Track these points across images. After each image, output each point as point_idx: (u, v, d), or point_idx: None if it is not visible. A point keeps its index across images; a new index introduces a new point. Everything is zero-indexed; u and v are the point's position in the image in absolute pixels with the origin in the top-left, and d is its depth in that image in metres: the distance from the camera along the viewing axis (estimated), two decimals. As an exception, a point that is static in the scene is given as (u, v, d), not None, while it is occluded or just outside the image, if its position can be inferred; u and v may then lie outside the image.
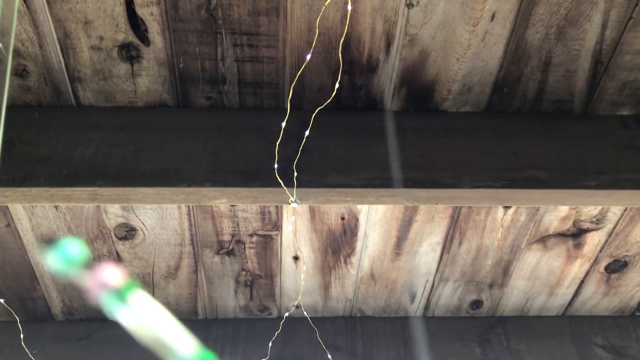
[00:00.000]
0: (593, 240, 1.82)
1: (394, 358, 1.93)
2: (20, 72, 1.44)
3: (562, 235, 1.81)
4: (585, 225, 1.78)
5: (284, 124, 1.32)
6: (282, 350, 1.92)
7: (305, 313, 1.95)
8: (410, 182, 1.41)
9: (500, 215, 1.76)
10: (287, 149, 1.39)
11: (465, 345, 1.96)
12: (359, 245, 1.83)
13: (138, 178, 1.41)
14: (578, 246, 1.84)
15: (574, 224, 1.78)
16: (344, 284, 1.94)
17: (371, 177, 1.39)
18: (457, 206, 1.73)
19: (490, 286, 1.95)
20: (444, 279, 1.93)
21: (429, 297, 1.98)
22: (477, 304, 2.00)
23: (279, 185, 1.36)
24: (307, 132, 1.34)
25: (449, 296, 1.98)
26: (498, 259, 1.87)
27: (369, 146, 1.44)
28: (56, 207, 1.66)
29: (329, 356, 1.84)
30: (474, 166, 1.42)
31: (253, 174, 1.39)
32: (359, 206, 1.72)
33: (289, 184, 1.36)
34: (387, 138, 1.47)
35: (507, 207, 1.73)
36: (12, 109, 1.48)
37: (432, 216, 1.76)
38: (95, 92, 1.48)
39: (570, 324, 2.02)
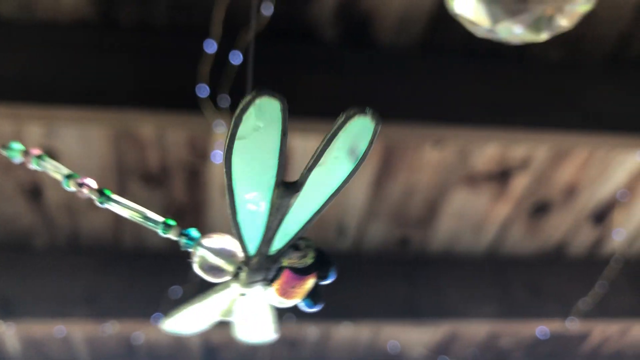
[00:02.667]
0: (518, 182, 1.88)
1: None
2: None
3: (488, 176, 1.86)
4: (511, 167, 1.83)
5: (210, 49, 1.28)
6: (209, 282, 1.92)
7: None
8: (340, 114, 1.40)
9: (429, 155, 1.78)
10: (217, 75, 1.35)
11: (392, 280, 2.02)
12: (292, 178, 1.82)
13: (62, 99, 1.35)
14: (504, 187, 1.89)
15: (500, 165, 1.83)
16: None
17: (301, 109, 1.37)
18: (387, 144, 1.75)
19: (418, 224, 2.00)
20: (373, 216, 1.96)
21: (358, 234, 2.01)
22: (405, 241, 2.05)
23: (208, 112, 1.33)
24: (238, 58, 1.30)
25: (378, 233, 2.01)
26: (426, 197, 1.91)
27: (301, 77, 1.42)
28: (-29, 127, 1.58)
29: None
30: (404, 102, 1.42)
31: (181, 100, 1.35)
32: (293, 140, 1.70)
33: (218, 110, 1.33)
34: (320, 70, 1.45)
35: (436, 146, 1.76)
36: None
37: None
38: (17, 7, 1.39)
39: (493, 263, 2.10)
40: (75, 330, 2.14)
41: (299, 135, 1.60)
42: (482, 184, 1.88)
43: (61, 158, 1.68)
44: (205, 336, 2.32)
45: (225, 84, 1.32)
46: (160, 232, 0.37)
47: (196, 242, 0.35)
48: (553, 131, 1.45)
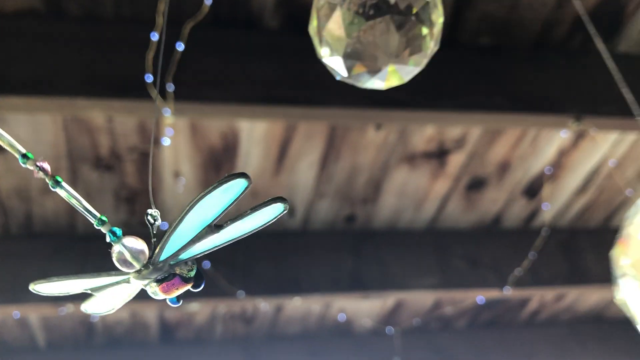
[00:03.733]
0: (455, 160, 2.00)
1: (272, 269, 2.05)
2: None
3: (427, 155, 1.96)
4: (448, 146, 1.95)
5: (156, 37, 1.33)
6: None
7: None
8: (284, 100, 1.48)
9: (372, 136, 1.88)
10: (163, 62, 1.40)
11: (339, 256, 2.12)
12: (240, 162, 1.89)
13: (9, 87, 1.38)
14: (441, 165, 2.01)
15: (438, 144, 1.93)
16: (225, 200, 2.00)
17: (247, 93, 1.44)
18: (333, 127, 1.83)
19: (363, 202, 2.10)
20: (320, 195, 2.05)
21: (307, 213, 2.10)
22: (351, 218, 2.15)
23: (154, 98, 1.38)
24: (181, 46, 1.35)
25: (325, 211, 2.10)
26: (370, 176, 2.01)
27: (245, 63, 1.48)
28: None
29: (207, 263, 1.92)
30: (345, 86, 1.50)
31: (128, 87, 1.39)
32: (240, 124, 1.77)
33: (164, 97, 1.39)
34: (264, 56, 1.51)
35: (378, 128, 1.85)
36: None
37: (310, 135, 1.85)
38: (-42, -6, 1.41)
39: (434, 237, 2.22)
40: (31, 314, 2.17)
41: (244, 119, 1.67)
42: (421, 163, 1.99)
43: (11, 145, 1.70)
44: (161, 315, 2.38)
45: (170, 71, 1.38)
46: (95, 224, 0.46)
47: (119, 239, 0.44)
48: (483, 113, 1.56)
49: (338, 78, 0.63)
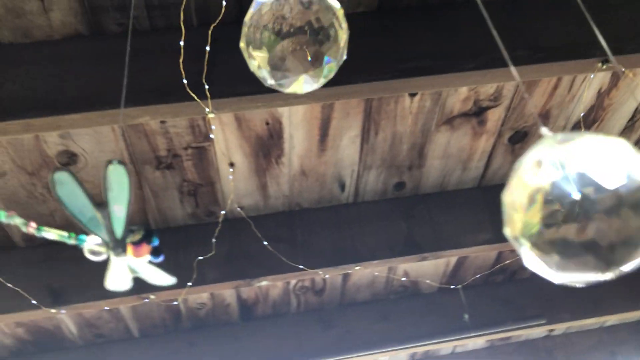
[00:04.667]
0: (494, 116, 2.03)
1: (330, 242, 2.17)
2: (-64, 20, 1.53)
3: (465, 115, 2.00)
4: (485, 104, 1.98)
5: (182, 42, 1.45)
6: (230, 248, 2.14)
7: (242, 212, 2.15)
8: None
9: (407, 104, 1.94)
10: (198, 64, 1.52)
11: (392, 222, 2.20)
12: (286, 146, 2.00)
13: (65, 106, 1.54)
14: (481, 123, 2.04)
15: (474, 103, 1.97)
16: (279, 183, 2.13)
17: (276, 82, 1.54)
18: (368, 100, 1.91)
19: (409, 168, 2.17)
20: (367, 167, 2.13)
21: (356, 185, 2.19)
22: (399, 185, 2.22)
23: (194, 99, 1.51)
24: (207, 47, 1.47)
25: (374, 182, 2.19)
26: (412, 143, 2.07)
27: (272, 54, 1.58)
28: (-3, 142, 1.79)
29: (265, 243, 2.06)
30: (368, 62, 1.57)
31: (169, 91, 1.53)
32: (280, 110, 1.88)
33: (203, 96, 1.51)
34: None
35: (412, 95, 1.91)
36: (-64, 55, 1.57)
37: (347, 112, 1.94)
38: (12, 30, 1.58)
39: (484, 194, 2.27)
40: (120, 306, 2.39)
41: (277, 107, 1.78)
42: (460, 123, 2.03)
43: (79, 158, 1.89)
44: (238, 294, 2.55)
45: (204, 72, 1.50)
46: (66, 241, 0.62)
47: (84, 242, 0.59)
48: (507, 68, 1.59)
49: (266, 84, 0.74)
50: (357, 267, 2.18)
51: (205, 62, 1.48)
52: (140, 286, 2.06)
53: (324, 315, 2.69)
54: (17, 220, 0.62)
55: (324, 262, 2.16)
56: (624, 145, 0.60)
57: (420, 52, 1.58)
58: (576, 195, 0.53)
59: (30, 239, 2.11)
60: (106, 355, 2.56)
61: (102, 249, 0.62)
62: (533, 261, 0.58)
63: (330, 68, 0.76)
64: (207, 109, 1.53)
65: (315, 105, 1.88)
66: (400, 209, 2.24)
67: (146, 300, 2.10)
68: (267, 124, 1.92)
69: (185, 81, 1.48)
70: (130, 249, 0.62)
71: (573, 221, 0.53)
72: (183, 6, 1.47)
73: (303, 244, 2.17)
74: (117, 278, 0.69)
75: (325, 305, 2.71)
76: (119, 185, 0.60)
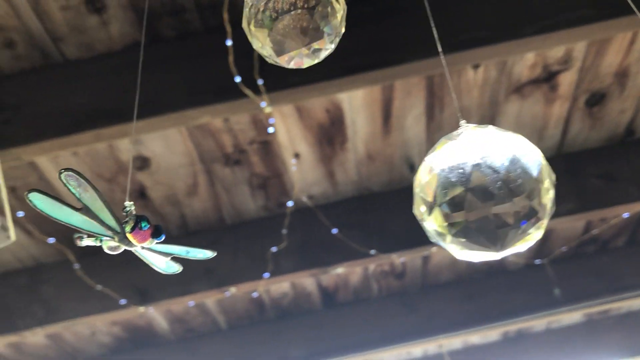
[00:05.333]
0: (566, 80, 1.91)
1: (404, 224, 2.13)
2: (8, 44, 1.62)
3: (535, 81, 1.91)
4: (555, 68, 1.87)
5: (229, 42, 1.46)
6: (304, 237, 2.15)
7: (309, 202, 2.16)
8: (364, 67, 1.55)
9: (471, 76, 1.87)
10: (249, 61, 1.54)
11: (467, 200, 2.14)
12: (349, 131, 1.98)
13: (130, 113, 1.60)
14: (553, 88, 1.93)
15: (543, 68, 1.87)
16: (346, 169, 2.12)
17: (326, 70, 1.53)
18: (429, 77, 1.85)
19: (480, 143, 2.09)
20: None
21: (426, 165, 2.14)
22: (472, 161, 2.15)
23: (249, 95, 1.52)
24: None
25: (444, 160, 2.13)
26: (481, 116, 2.00)
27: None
28: (74, 153, 1.88)
29: (334, 231, 2.06)
30: (422, 39, 1.53)
31: (225, 90, 1.55)
32: (338, 96, 1.86)
33: (258, 92, 1.52)
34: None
35: (475, 67, 1.84)
36: (11, 77, 1.67)
37: (409, 91, 1.89)
38: (77, 46, 1.65)
39: (565, 162, 2.15)
40: (206, 300, 2.47)
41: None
42: (531, 91, 1.93)
43: (151, 161, 1.96)
44: (318, 282, 2.57)
45: (255, 68, 1.51)
46: (96, 244, 0.68)
47: (99, 239, 0.64)
48: (571, 29, 1.49)
49: (270, 62, 0.76)
50: (433, 249, 2.14)
51: (255, 58, 1.49)
52: (220, 280, 2.13)
53: (407, 298, 2.66)
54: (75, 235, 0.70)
55: (399, 245, 2.13)
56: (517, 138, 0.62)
57: (476, 22, 1.51)
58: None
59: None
60: (197, 348, 2.66)
61: (115, 244, 0.67)
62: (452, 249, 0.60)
63: (329, 40, 0.78)
64: (262, 104, 1.54)
65: (375, 88, 1.85)
66: (475, 185, 2.17)
67: (227, 293, 2.15)
68: (328, 111, 1.91)
69: (239, 79, 1.50)
70: (133, 238, 0.66)
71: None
72: (226, 6, 1.48)
73: (376, 228, 2.16)
74: (159, 263, 0.74)
75: (407, 288, 2.68)
76: (81, 188, 0.63)
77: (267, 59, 0.81)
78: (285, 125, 1.92)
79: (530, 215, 0.58)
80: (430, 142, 2.06)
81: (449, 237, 0.58)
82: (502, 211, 0.56)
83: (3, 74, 1.68)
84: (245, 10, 0.80)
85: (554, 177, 0.62)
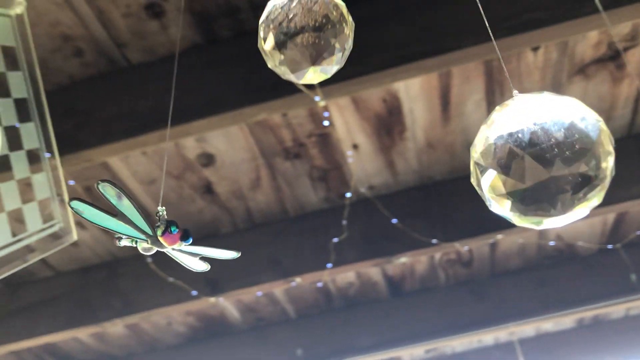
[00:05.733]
0: (634, 58, 1.83)
1: (468, 212, 2.11)
2: (77, 52, 1.72)
3: (599, 60, 1.83)
4: (621, 45, 1.79)
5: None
6: (366, 227, 2.17)
7: (368, 193, 2.17)
8: (419, 55, 1.53)
9: (531, 59, 1.82)
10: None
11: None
12: (407, 120, 1.98)
13: (192, 113, 1.66)
14: (620, 67, 1.85)
15: (608, 47, 1.79)
16: (406, 158, 2.11)
17: (381, 60, 1.53)
18: (487, 62, 1.82)
19: (545, 126, 2.03)
20: (497, 131, 2.03)
21: (488, 151, 2.10)
22: (537, 146, 2.09)
23: (303, 90, 1.55)
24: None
25: (507, 145, 2.08)
26: (544, 99, 1.94)
27: (372, 31, 1.57)
28: (144, 152, 1.97)
29: (394, 221, 2.05)
30: (475, 23, 1.50)
31: (280, 87, 1.58)
32: (395, 86, 1.86)
33: (311, 86, 1.55)
34: (391, 20, 1.58)
35: (535, 50, 1.79)
36: (79, 84, 1.77)
37: (467, 77, 1.86)
38: (140, 51, 1.73)
39: (637, 142, 2.06)
40: (274, 290, 2.54)
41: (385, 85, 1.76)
42: (596, 71, 1.86)
43: (216, 158, 2.02)
44: (384, 272, 2.58)
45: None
46: (132, 245, 0.74)
47: (134, 241, 0.69)
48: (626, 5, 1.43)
49: (284, 78, 0.80)
50: (499, 236, 2.10)
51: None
52: (286, 271, 2.18)
53: (475, 286, 2.63)
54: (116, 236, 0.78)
55: (463, 233, 2.11)
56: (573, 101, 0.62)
57: (533, 3, 1.47)
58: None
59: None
60: (268, 336, 2.73)
61: (148, 246, 0.73)
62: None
63: (337, 59, 0.81)
64: (316, 98, 1.56)
65: (431, 75, 1.83)
66: (540, 170, 2.11)
67: (293, 283, 2.20)
68: (384, 101, 1.91)
69: (291, 74, 1.52)
70: (164, 241, 0.72)
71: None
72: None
73: (440, 217, 2.14)
74: (189, 262, 0.81)
75: (475, 276, 2.65)
76: (116, 197, 0.69)
77: (281, 76, 0.85)
78: (343, 117, 1.94)
79: (590, 180, 0.58)
80: (492, 127, 2.02)
81: (509, 204, 0.58)
82: (561, 175, 0.55)
83: (74, 81, 1.78)
84: (259, 31, 0.84)
85: (613, 141, 0.61)
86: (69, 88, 1.78)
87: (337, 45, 0.80)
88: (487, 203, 0.63)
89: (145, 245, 0.75)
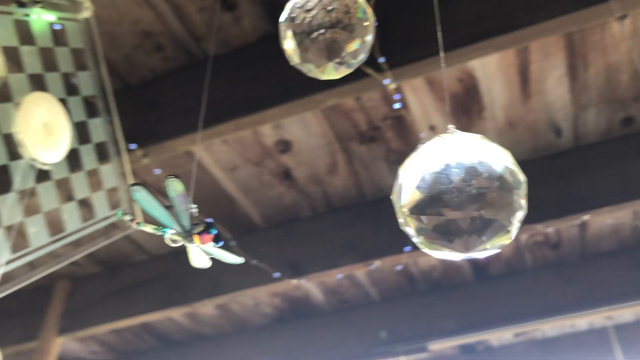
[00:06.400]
0: None
1: (552, 193, 2.03)
2: (157, 48, 1.81)
3: (695, 27, 1.70)
4: None
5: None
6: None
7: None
8: (492, 32, 1.49)
9: (616, 30, 1.71)
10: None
11: (623, 163, 1.97)
12: (485, 99, 1.92)
13: (265, 102, 1.71)
14: None
15: None
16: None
17: (454, 39, 1.50)
18: (568, 35, 1.73)
19: (636, 100, 1.91)
20: (582, 107, 1.94)
21: (574, 128, 2.01)
22: (627, 121, 1.97)
23: (372, 75, 1.54)
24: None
25: (594, 121, 1.98)
26: (633, 71, 1.83)
27: (445, 11, 1.53)
28: (224, 141, 2.05)
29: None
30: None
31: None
32: (470, 64, 1.81)
33: (380, 70, 1.54)
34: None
35: (621, 19, 1.68)
36: (162, 78, 1.86)
37: (546, 52, 1.78)
38: (216, 43, 1.79)
39: None
40: (356, 272, 2.56)
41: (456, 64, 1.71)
42: (691, 38, 1.72)
43: (293, 144, 2.07)
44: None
45: (376, 44, 1.52)
46: (156, 232, 0.80)
47: (165, 233, 0.73)
48: None
49: (311, 75, 0.81)
50: (586, 217, 2.00)
51: (375, 37, 1.50)
52: (365, 254, 2.20)
53: (564, 269, 2.53)
54: (126, 217, 0.82)
55: (547, 214, 2.03)
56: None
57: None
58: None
59: (269, 219, 2.38)
60: (352, 318, 2.76)
61: (178, 238, 0.79)
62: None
63: (361, 52, 0.81)
64: (386, 81, 1.55)
65: (508, 52, 1.77)
66: (633, 146, 1.99)
67: (372, 266, 2.22)
68: (460, 80, 1.87)
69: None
70: (197, 238, 0.78)
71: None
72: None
73: (521, 198, 2.07)
74: (198, 258, 0.87)
75: (564, 259, 2.54)
76: (176, 192, 0.74)
77: (306, 73, 0.86)
78: (418, 98, 1.91)
79: (488, 224, 0.59)
80: (576, 104, 1.93)
81: (419, 239, 0.63)
82: (458, 217, 0.58)
83: (156, 75, 1.87)
84: (280, 30, 0.85)
85: (520, 183, 0.61)
86: (152, 82, 1.88)
87: (359, 41, 0.81)
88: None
89: (175, 237, 0.81)
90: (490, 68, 1.82)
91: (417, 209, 0.60)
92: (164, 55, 1.82)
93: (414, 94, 1.90)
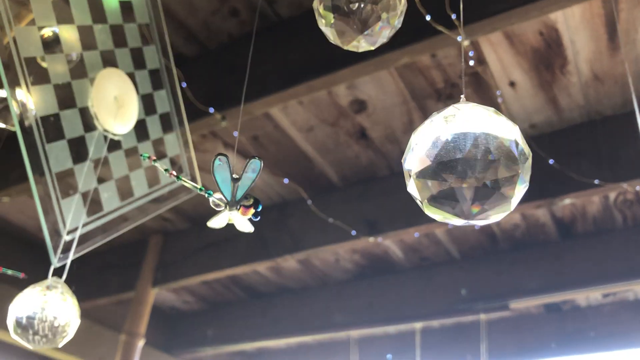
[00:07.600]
0: None
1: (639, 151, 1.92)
2: (233, 12, 1.85)
3: None
4: None
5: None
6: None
7: (532, 130, 2.05)
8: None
9: None
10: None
11: None
12: (569, 53, 1.83)
13: (338, 63, 1.71)
14: None
15: None
16: (570, 94, 1.97)
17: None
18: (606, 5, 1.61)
19: None
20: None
21: (668, 81, 1.88)
22: None
23: (443, 31, 1.51)
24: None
25: (691, 73, 1.84)
26: None
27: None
28: (300, 102, 2.08)
29: (551, 162, 1.93)
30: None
31: (422, 29, 1.56)
32: (551, 17, 1.72)
33: (451, 26, 1.51)
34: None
35: None
36: (239, 41, 1.90)
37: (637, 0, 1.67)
38: (288, 5, 1.81)
39: None
40: (436, 230, 2.56)
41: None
42: None
43: (368, 104, 2.07)
44: (552, 214, 2.46)
45: (446, 4, 1.48)
46: (197, 191, 0.87)
47: (211, 195, 0.90)
48: None
49: (332, 41, 0.84)
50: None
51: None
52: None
53: (658, 229, 2.40)
54: (161, 167, 0.88)
55: (635, 172, 1.93)
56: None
57: None
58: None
59: (346, 179, 2.41)
60: (432, 276, 2.78)
61: (222, 203, 0.85)
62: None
63: (386, 31, 0.79)
64: (458, 38, 1.52)
65: (593, 2, 1.67)
66: None
67: (450, 225, 2.21)
68: (541, 34, 1.78)
69: (429, 17, 1.49)
70: (241, 209, 0.84)
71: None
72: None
73: (608, 155, 1.98)
74: (219, 221, 0.92)
75: (658, 217, 2.42)
76: (252, 171, 0.81)
77: (328, 39, 0.85)
78: (496, 54, 1.85)
79: (490, 194, 0.62)
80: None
81: (425, 204, 0.65)
82: (462, 185, 0.61)
83: (233, 39, 1.92)
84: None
85: (526, 157, 0.63)
86: (229, 46, 1.93)
87: (386, 20, 0.81)
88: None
89: (219, 203, 0.88)
90: (574, 20, 1.72)
91: (424, 174, 0.63)
92: (239, 20, 1.86)
93: (493, 49, 1.84)
